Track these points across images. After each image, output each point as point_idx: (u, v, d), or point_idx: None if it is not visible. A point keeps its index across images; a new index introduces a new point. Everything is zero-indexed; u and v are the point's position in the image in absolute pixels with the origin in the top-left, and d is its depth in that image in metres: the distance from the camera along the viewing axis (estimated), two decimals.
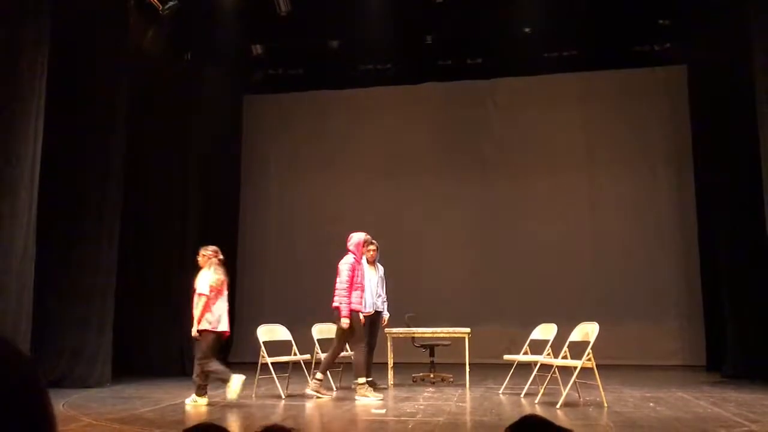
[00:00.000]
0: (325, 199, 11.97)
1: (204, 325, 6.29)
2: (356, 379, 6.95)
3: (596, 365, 6.19)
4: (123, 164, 8.32)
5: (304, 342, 7.63)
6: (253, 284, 11.92)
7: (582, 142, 11.39)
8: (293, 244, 11.96)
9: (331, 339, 7.96)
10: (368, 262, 7.71)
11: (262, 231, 12.19)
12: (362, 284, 7.19)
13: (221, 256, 6.60)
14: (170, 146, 9.57)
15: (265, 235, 12.18)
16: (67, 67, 7.72)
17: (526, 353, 7.30)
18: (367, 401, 6.56)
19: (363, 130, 12.00)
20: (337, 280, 7.01)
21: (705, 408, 5.98)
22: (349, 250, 7.18)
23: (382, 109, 11.95)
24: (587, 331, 6.46)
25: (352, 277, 6.99)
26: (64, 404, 6.32)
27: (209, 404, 6.41)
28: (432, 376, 8.21)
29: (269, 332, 7.44)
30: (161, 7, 9.19)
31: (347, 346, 7.36)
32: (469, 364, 7.82)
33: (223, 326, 6.44)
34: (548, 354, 6.95)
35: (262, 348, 7.05)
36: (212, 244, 6.86)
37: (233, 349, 11.32)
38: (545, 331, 7.24)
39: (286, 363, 7.27)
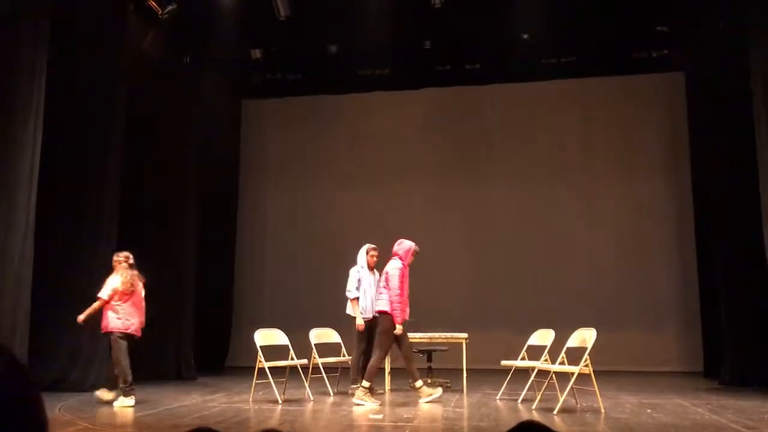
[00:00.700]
0: (323, 204, 11.97)
1: (115, 327, 6.66)
2: (356, 383, 7.01)
3: (594, 371, 6.19)
4: (121, 167, 8.32)
5: (302, 347, 7.62)
6: (251, 289, 11.92)
7: (580, 148, 11.40)
8: (291, 248, 11.96)
9: (328, 344, 7.97)
10: (369, 267, 7.69)
11: (260, 235, 12.18)
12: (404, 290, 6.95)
13: (131, 261, 6.86)
14: (169, 150, 9.57)
15: (263, 240, 12.18)
16: (67, 69, 7.73)
17: (523, 359, 7.30)
18: (366, 407, 6.54)
19: (361, 135, 12.01)
20: (389, 285, 6.79)
21: (703, 415, 5.97)
22: (398, 255, 7.03)
23: (380, 114, 11.96)
24: (585, 337, 6.46)
25: (402, 283, 6.86)
26: (60, 408, 6.30)
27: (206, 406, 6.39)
28: (429, 381, 8.18)
29: (266, 337, 7.43)
30: (161, 11, 9.19)
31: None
32: (467, 370, 7.81)
33: (133, 329, 6.78)
34: (546, 360, 6.94)
35: (260, 352, 7.03)
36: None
37: (230, 354, 11.31)
38: (543, 337, 7.24)
39: (284, 368, 7.25)
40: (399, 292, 6.75)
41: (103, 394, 6.70)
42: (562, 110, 11.48)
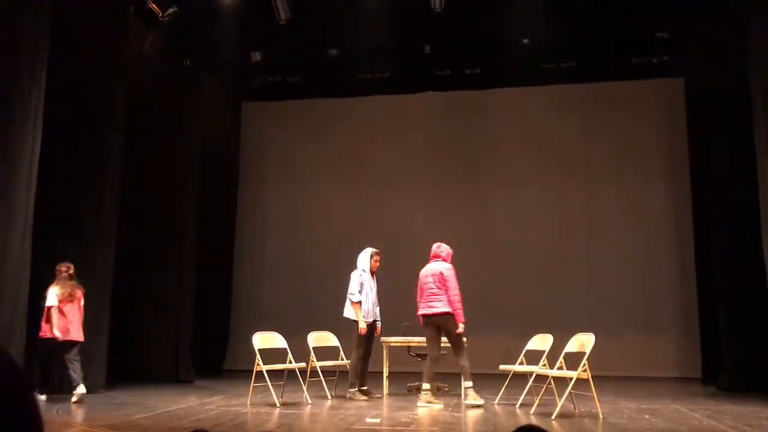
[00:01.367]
0: (322, 207, 11.97)
1: (56, 334, 6.97)
2: (355, 387, 7.16)
3: (592, 376, 6.18)
4: (121, 169, 8.32)
5: (300, 350, 7.61)
6: (249, 292, 11.91)
7: (579, 153, 11.42)
8: (290, 251, 11.96)
9: (326, 347, 7.96)
10: (371, 271, 7.66)
11: (259, 238, 12.18)
12: None
13: (71, 272, 7.21)
14: (168, 152, 9.57)
15: (262, 243, 12.18)
16: (67, 71, 7.72)
17: (521, 363, 7.29)
18: (434, 407, 6.65)
19: (361, 138, 12.02)
20: (448, 286, 6.86)
21: (701, 420, 5.97)
22: (441, 257, 7.13)
23: (380, 118, 11.97)
24: (583, 341, 6.45)
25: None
26: (57, 410, 6.30)
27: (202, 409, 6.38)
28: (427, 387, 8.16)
29: (265, 340, 7.42)
30: (161, 14, 9.20)
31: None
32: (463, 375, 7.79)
33: (72, 335, 7.11)
34: (544, 364, 6.94)
35: (258, 355, 7.02)
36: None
37: (228, 357, 11.30)
38: (541, 342, 7.24)
39: (281, 371, 7.24)
40: (458, 292, 6.86)
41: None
42: (561, 115, 11.49)
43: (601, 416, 6.11)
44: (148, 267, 9.37)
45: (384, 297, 11.07)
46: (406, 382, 8.32)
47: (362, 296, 7.61)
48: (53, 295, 7.03)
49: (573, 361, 6.53)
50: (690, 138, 10.22)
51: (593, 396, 6.20)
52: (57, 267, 7.17)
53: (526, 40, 10.32)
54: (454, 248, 7.59)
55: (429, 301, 6.98)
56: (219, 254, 11.33)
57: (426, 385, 6.85)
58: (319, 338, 7.98)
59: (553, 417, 6.11)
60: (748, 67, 7.40)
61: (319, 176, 12.07)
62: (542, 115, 11.52)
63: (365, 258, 7.81)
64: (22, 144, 6.62)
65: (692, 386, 9.05)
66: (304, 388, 7.27)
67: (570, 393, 6.27)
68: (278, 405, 6.85)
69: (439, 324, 6.93)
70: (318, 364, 7.49)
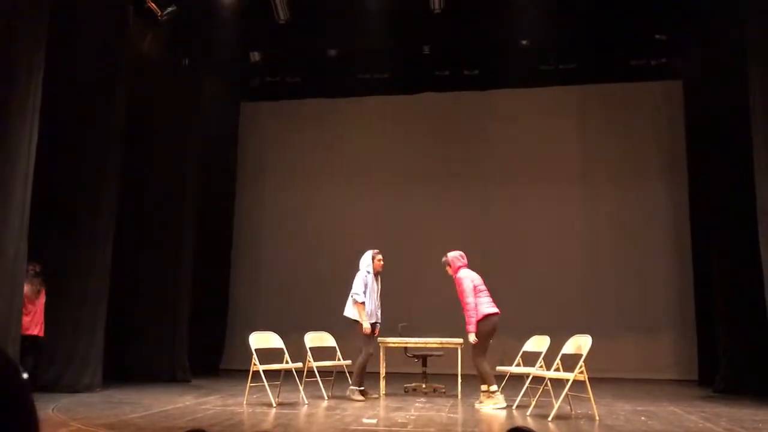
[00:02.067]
0: (320, 207, 11.97)
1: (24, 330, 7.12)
2: (359, 386, 7.35)
3: (588, 378, 6.19)
4: (119, 168, 8.31)
5: (297, 350, 7.61)
6: (246, 292, 11.90)
7: (578, 155, 11.43)
8: (288, 251, 11.95)
9: (323, 347, 7.96)
10: (375, 272, 7.70)
11: (256, 238, 12.17)
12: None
13: (37, 270, 7.37)
14: (166, 151, 9.56)
15: (259, 242, 12.17)
16: (65, 69, 7.72)
17: (518, 365, 7.30)
18: (498, 407, 6.72)
19: (359, 138, 12.02)
20: (463, 294, 7.01)
21: (696, 423, 5.98)
22: (458, 266, 7.20)
23: (378, 119, 11.97)
24: (580, 343, 6.46)
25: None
26: (53, 408, 6.29)
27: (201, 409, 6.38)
28: (424, 386, 8.18)
29: (261, 340, 7.41)
30: (160, 13, 9.20)
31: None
32: (462, 375, 7.81)
33: (32, 330, 7.27)
34: (541, 366, 6.95)
35: (254, 355, 7.01)
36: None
37: (225, 357, 11.29)
38: (538, 343, 7.24)
39: (278, 371, 7.24)
40: (470, 300, 6.99)
41: None
42: (560, 116, 11.50)
43: (597, 418, 6.12)
44: (145, 266, 9.35)
45: (382, 298, 11.10)
46: (402, 383, 8.32)
47: (366, 297, 7.60)
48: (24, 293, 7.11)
49: (570, 362, 6.54)
50: (688, 140, 10.23)
51: (590, 398, 6.21)
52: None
53: (525, 42, 10.34)
54: (451, 248, 7.62)
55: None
56: (216, 254, 11.33)
57: (493, 387, 6.85)
58: (316, 338, 7.98)
59: (549, 418, 6.12)
60: (746, 70, 7.41)
61: (318, 176, 12.06)
62: (541, 116, 11.53)
63: (367, 260, 7.82)
64: (19, 141, 6.61)
65: (689, 388, 9.06)
66: (301, 388, 7.27)
67: (567, 395, 6.28)
68: (275, 405, 6.84)
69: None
70: (315, 365, 7.48)
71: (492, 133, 11.72)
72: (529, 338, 7.46)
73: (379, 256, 7.85)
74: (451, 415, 6.45)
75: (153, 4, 9.06)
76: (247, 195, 12.20)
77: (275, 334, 7.60)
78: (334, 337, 8.10)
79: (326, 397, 7.45)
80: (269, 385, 6.94)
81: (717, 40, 8.66)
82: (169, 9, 9.17)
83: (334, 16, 9.62)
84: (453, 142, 11.74)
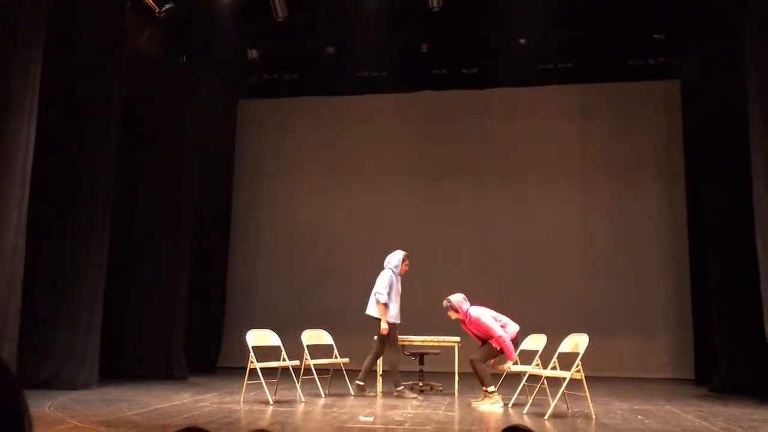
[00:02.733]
0: (317, 206, 11.97)
1: None
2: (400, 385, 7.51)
3: (585, 377, 6.20)
4: (116, 164, 8.29)
5: (294, 348, 7.61)
6: (244, 289, 11.90)
7: (575, 154, 11.43)
8: (285, 249, 11.95)
9: (320, 345, 7.97)
10: (399, 274, 7.77)
11: (253, 235, 12.16)
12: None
13: None
14: (164, 148, 9.54)
15: (256, 240, 12.16)
16: (63, 67, 7.70)
17: (515, 363, 7.30)
18: (495, 407, 6.76)
19: (357, 136, 12.02)
20: (488, 329, 7.05)
21: (693, 422, 5.99)
22: (466, 308, 7.19)
23: (376, 117, 11.96)
24: (577, 342, 6.47)
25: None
26: (50, 406, 6.28)
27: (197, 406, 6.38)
28: (421, 384, 8.19)
29: (259, 337, 7.41)
30: (158, 9, 9.18)
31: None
32: (459, 373, 7.82)
33: None
34: (537, 364, 6.96)
35: (251, 353, 7.02)
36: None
37: (222, 354, 11.29)
38: (535, 342, 7.25)
39: (275, 369, 7.24)
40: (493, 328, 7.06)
41: None
42: (558, 116, 11.50)
43: (594, 417, 6.13)
44: (142, 263, 9.35)
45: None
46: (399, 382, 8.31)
47: (389, 298, 7.60)
48: None
49: (566, 361, 6.55)
50: (686, 139, 10.24)
51: (586, 396, 6.22)
52: None
53: (523, 41, 10.33)
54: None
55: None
56: (214, 251, 11.32)
57: (491, 387, 6.91)
58: (313, 336, 7.98)
59: (546, 417, 6.12)
60: (744, 69, 7.42)
61: (315, 174, 12.06)
62: (539, 115, 11.53)
63: (396, 260, 7.79)
64: (17, 137, 6.60)
65: (685, 387, 9.07)
66: (298, 385, 7.27)
67: (563, 393, 6.29)
68: (271, 402, 6.85)
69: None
70: (312, 362, 7.49)
71: (490, 132, 11.72)
72: (526, 337, 7.47)
73: (408, 260, 7.86)
74: (448, 413, 6.46)
75: (151, 1, 9.04)
76: (244, 193, 12.19)
77: (272, 331, 7.60)
78: (331, 334, 8.10)
79: (323, 395, 7.45)
80: (266, 383, 6.94)
81: (715, 40, 8.66)
82: (167, 6, 9.15)
83: (332, 14, 9.61)
84: (451, 141, 11.74)
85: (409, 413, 6.34)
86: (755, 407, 6.86)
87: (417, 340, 8.10)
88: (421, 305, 10.55)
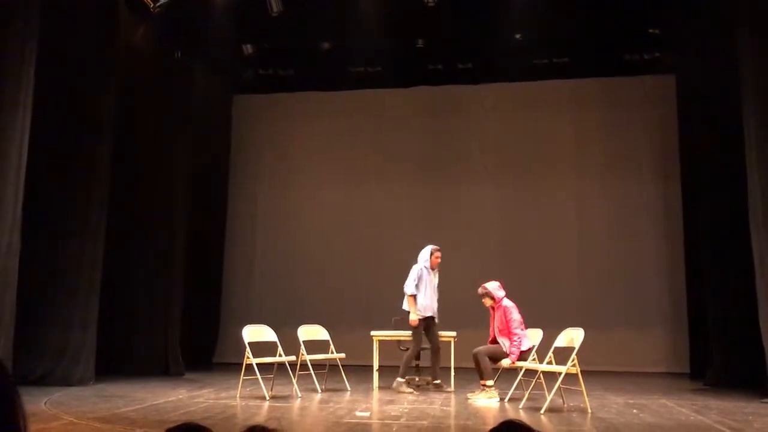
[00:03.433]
0: (313, 201, 11.95)
1: None
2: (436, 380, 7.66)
3: (581, 371, 6.23)
4: (111, 160, 8.27)
5: (290, 343, 7.61)
6: (240, 285, 11.88)
7: (570, 149, 11.44)
8: (281, 244, 11.93)
9: (317, 341, 7.98)
10: (431, 267, 7.86)
11: (249, 231, 12.14)
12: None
13: None
14: (158, 144, 9.52)
15: (252, 235, 12.14)
16: (56, 62, 7.67)
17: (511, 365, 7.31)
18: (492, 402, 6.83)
19: (353, 132, 11.99)
20: (512, 323, 7.17)
21: (687, 416, 6.02)
22: (501, 296, 7.35)
23: (371, 112, 11.94)
24: (572, 337, 6.49)
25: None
26: (46, 402, 6.27)
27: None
28: (417, 379, 8.21)
29: (255, 333, 7.42)
30: (152, 5, 9.15)
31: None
32: (455, 368, 7.83)
33: None
34: (533, 359, 6.98)
35: (247, 348, 7.02)
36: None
37: (218, 350, 11.28)
38: (531, 336, 7.26)
39: (271, 364, 7.24)
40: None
41: None
42: (553, 111, 11.50)
43: (589, 411, 6.15)
44: (138, 259, 9.33)
45: (375, 292, 11.12)
46: (395, 376, 8.33)
47: (419, 291, 7.72)
48: None
49: (562, 355, 6.57)
50: (680, 134, 10.25)
51: (582, 391, 6.24)
52: None
53: (518, 36, 10.33)
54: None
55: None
56: (209, 247, 11.30)
57: (489, 381, 6.99)
58: (309, 332, 7.98)
59: (542, 411, 6.15)
60: (738, 65, 7.43)
61: (311, 169, 12.04)
62: (534, 110, 11.52)
63: (426, 255, 7.90)
64: (11, 134, 6.57)
65: (680, 381, 9.11)
66: (294, 381, 7.27)
67: (559, 387, 6.31)
68: (268, 398, 6.85)
69: None
70: (308, 358, 7.49)
71: (485, 127, 11.72)
72: None
73: (438, 253, 7.93)
74: (444, 408, 6.48)
75: None
76: (239, 188, 12.16)
77: (268, 327, 7.60)
78: (327, 330, 8.11)
79: (319, 390, 7.46)
80: (262, 379, 6.94)
81: (710, 35, 8.67)
82: (161, 1, 9.11)
83: (327, 10, 9.58)
84: (446, 136, 11.73)
85: (405, 408, 6.36)
86: (749, 400, 6.90)
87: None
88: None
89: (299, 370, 7.41)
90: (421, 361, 8.38)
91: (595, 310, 10.44)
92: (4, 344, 6.34)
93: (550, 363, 6.67)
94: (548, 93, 11.46)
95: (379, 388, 7.81)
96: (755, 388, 7.22)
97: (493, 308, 7.33)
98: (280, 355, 7.28)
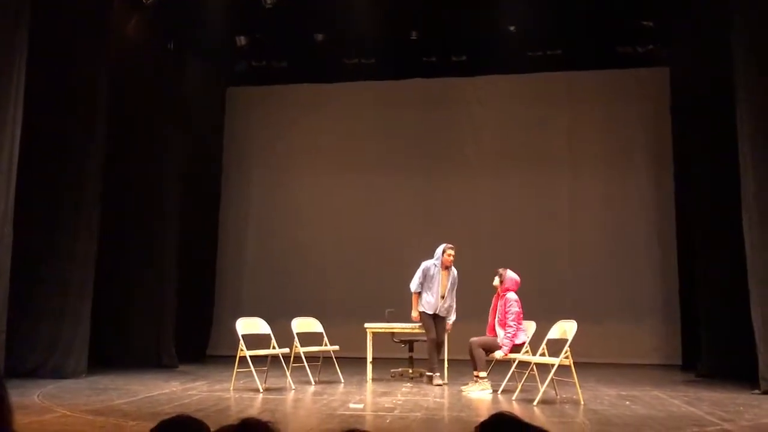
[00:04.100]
0: (306, 193, 11.93)
1: None
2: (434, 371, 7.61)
3: (573, 363, 6.25)
4: (103, 154, 8.23)
5: (284, 336, 7.62)
6: (233, 277, 11.86)
7: (564, 141, 11.44)
8: (274, 237, 11.91)
9: (310, 333, 7.99)
10: (444, 265, 7.84)
11: (242, 223, 12.12)
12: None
13: None
14: (151, 135, 9.47)
15: (245, 228, 12.12)
16: (48, 54, 7.62)
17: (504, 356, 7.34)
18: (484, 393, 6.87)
19: (346, 124, 11.96)
20: (508, 315, 7.19)
21: (679, 407, 6.06)
22: (509, 288, 7.35)
23: (365, 104, 11.91)
24: (565, 329, 6.52)
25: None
26: (38, 395, 6.26)
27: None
28: (411, 371, 8.23)
29: (248, 325, 7.42)
30: None
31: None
32: (448, 360, 7.86)
33: None
34: (526, 351, 7.00)
35: (241, 341, 7.02)
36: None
37: (212, 343, 11.28)
38: (526, 331, 7.28)
39: (265, 356, 7.24)
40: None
41: None
42: (547, 103, 11.49)
43: (582, 402, 6.18)
44: (130, 251, 9.30)
45: (369, 284, 11.12)
46: (389, 368, 8.36)
47: (423, 288, 7.76)
48: None
49: (555, 347, 6.60)
50: (674, 127, 10.27)
51: (575, 382, 6.27)
52: None
53: (512, 28, 10.31)
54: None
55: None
56: (203, 239, 11.27)
57: (482, 373, 7.02)
58: (303, 324, 7.99)
59: (534, 403, 6.17)
60: (732, 57, 7.44)
61: (304, 162, 12.01)
62: (528, 102, 11.52)
63: (438, 252, 7.89)
64: (3, 125, 6.53)
65: (672, 373, 9.16)
66: (288, 373, 7.29)
67: (552, 379, 6.34)
68: (261, 390, 6.86)
69: None
70: (302, 350, 7.50)
71: (479, 119, 11.71)
72: None
73: (450, 251, 7.89)
74: (438, 400, 6.50)
75: None
76: (233, 180, 12.12)
77: (262, 320, 7.61)
78: (321, 322, 8.12)
79: (313, 383, 7.47)
80: (256, 371, 6.95)
81: (703, 27, 8.67)
82: None
83: (320, 1, 9.54)
84: (440, 128, 11.72)
85: (399, 400, 6.38)
86: (740, 392, 6.94)
87: (406, 327, 8.12)
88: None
89: (293, 363, 7.42)
90: (415, 353, 8.41)
91: (587, 303, 10.47)
92: None
93: (543, 355, 6.69)
94: (542, 85, 11.45)
95: (373, 380, 7.83)
96: (746, 380, 7.27)
97: (498, 295, 7.32)
98: (274, 348, 7.29)
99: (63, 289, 7.75)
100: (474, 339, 7.18)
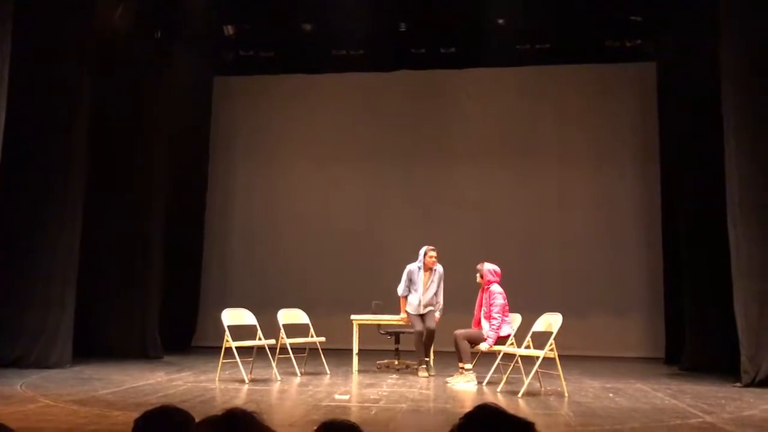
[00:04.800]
0: (293, 184, 11.89)
1: None
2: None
3: (558, 355, 6.29)
4: (87, 142, 8.15)
5: (270, 327, 7.60)
6: (219, 268, 11.81)
7: (552, 135, 11.47)
8: (261, 228, 11.87)
9: (296, 324, 7.98)
10: (425, 267, 7.93)
11: (228, 214, 12.06)
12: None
13: None
14: (137, 127, 9.39)
15: (231, 218, 12.06)
16: (31, 44, 7.50)
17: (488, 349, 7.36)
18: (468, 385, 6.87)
19: (334, 115, 11.92)
20: (493, 308, 7.18)
21: (662, 399, 6.11)
22: (491, 280, 7.36)
23: (353, 95, 11.88)
24: (550, 321, 6.55)
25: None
26: (21, 384, 6.22)
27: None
28: (397, 363, 8.25)
29: (234, 316, 7.40)
30: None
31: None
32: (434, 352, 7.88)
33: None
34: (511, 343, 7.04)
35: (227, 332, 7.00)
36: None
37: (197, 333, 11.24)
38: (511, 324, 7.32)
39: (251, 348, 7.23)
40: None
41: None
42: (535, 96, 11.51)
43: (566, 394, 6.22)
44: (115, 241, 9.22)
45: (355, 276, 11.12)
46: (375, 360, 8.38)
47: (409, 291, 7.90)
48: None
49: (540, 340, 6.64)
50: (661, 121, 10.32)
51: (559, 375, 6.31)
52: None
53: (501, 21, 10.31)
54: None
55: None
56: (188, 230, 11.21)
57: (468, 365, 7.04)
58: (289, 315, 7.98)
59: (519, 395, 6.21)
60: (719, 52, 7.48)
61: (291, 153, 11.96)
62: (516, 95, 11.53)
63: (420, 254, 7.99)
64: None
65: (656, 366, 9.24)
66: (274, 364, 7.28)
67: (537, 372, 6.37)
68: (247, 381, 6.85)
69: None
70: (287, 341, 7.49)
71: (467, 112, 11.70)
72: None
73: (432, 253, 7.98)
74: (423, 391, 6.52)
75: None
76: (219, 170, 12.05)
77: (248, 310, 7.59)
78: (307, 314, 8.11)
79: (299, 374, 7.47)
80: (242, 362, 6.94)
81: (691, 23, 8.71)
82: None
83: None
84: (428, 121, 11.71)
85: (385, 391, 6.39)
86: (722, 385, 7.01)
87: (393, 319, 8.14)
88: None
89: (279, 354, 7.41)
90: (401, 345, 8.42)
91: (573, 296, 10.53)
92: None
93: (528, 347, 6.73)
94: (531, 78, 11.46)
95: (359, 371, 7.84)
96: (728, 373, 7.35)
97: (483, 289, 7.35)
98: (260, 339, 7.28)
99: (47, 278, 7.69)
100: (459, 331, 7.21)
